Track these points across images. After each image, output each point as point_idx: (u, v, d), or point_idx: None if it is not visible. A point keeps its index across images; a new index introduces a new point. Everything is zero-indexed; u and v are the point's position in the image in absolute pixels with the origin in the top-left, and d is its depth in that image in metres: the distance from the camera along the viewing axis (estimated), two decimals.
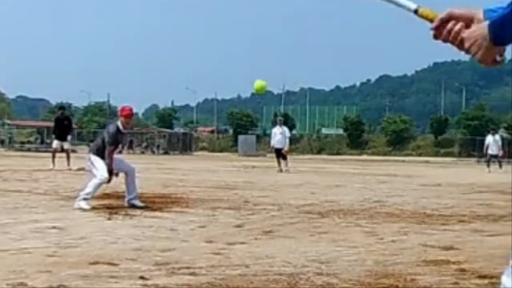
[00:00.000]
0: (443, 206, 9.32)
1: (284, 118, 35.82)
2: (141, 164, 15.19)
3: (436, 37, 1.59)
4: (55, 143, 18.65)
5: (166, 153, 51.42)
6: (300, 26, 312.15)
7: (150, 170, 17.47)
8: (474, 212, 8.57)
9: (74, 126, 29.82)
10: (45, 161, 19.73)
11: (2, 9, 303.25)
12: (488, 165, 24.78)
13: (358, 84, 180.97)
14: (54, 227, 6.32)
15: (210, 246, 5.43)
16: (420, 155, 60.99)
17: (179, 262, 4.63)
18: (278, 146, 20.52)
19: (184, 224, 6.82)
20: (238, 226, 6.78)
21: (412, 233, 6.47)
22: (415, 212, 8.43)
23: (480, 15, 1.54)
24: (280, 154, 20.40)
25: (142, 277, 4.12)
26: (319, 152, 66.42)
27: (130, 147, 51.54)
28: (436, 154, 60.77)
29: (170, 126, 73.99)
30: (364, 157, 54.90)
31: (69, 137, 18.70)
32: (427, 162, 40.33)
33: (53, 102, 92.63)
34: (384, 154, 60.68)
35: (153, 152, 52.88)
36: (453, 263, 4.85)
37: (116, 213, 7.64)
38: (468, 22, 1.54)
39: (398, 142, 67.38)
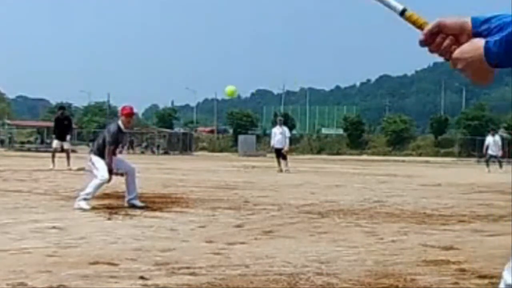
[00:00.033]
0: (443, 206, 9.32)
1: (284, 118, 35.79)
2: (141, 164, 15.18)
3: (423, 45, 1.45)
4: (55, 143, 18.64)
5: (166, 153, 51.37)
6: (300, 26, 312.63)
7: (150, 170, 17.46)
8: (474, 212, 8.57)
9: (74, 126, 29.85)
10: (45, 161, 19.72)
11: (2, 9, 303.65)
12: (488, 165, 24.79)
13: (358, 84, 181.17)
14: (54, 227, 6.32)
15: (210, 246, 5.43)
16: (420, 155, 60.94)
17: (179, 262, 4.63)
18: (278, 146, 20.50)
19: (184, 224, 6.82)
20: (238, 226, 6.78)
21: (412, 233, 6.47)
22: (415, 212, 8.43)
23: (469, 25, 1.41)
24: (280, 154, 20.39)
25: (142, 277, 4.12)
26: (319, 152, 66.36)
27: (130, 147, 51.55)
28: (436, 154, 60.73)
29: (170, 126, 73.93)
30: (364, 157, 54.86)
31: (68, 137, 18.68)
32: (427, 162, 40.30)
33: (53, 102, 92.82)
34: (384, 154, 60.62)
35: (153, 152, 52.84)
36: (453, 263, 4.85)
37: (116, 213, 7.64)
38: (458, 33, 1.42)
39: (398, 142, 67.34)
